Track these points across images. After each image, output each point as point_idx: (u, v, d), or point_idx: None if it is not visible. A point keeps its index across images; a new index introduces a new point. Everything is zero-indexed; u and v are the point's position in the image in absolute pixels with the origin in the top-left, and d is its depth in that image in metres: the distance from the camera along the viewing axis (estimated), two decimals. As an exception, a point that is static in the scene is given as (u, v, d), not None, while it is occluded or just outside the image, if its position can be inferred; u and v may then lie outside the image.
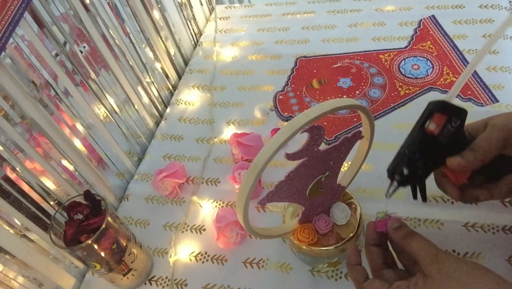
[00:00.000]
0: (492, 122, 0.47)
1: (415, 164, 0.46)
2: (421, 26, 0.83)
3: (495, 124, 0.46)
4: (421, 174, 0.47)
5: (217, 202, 0.68)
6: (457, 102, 0.70)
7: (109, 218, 0.52)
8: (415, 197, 0.49)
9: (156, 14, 0.84)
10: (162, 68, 0.87)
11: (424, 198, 0.49)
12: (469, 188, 0.49)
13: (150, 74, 0.83)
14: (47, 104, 0.59)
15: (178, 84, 0.89)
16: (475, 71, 0.73)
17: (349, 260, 0.46)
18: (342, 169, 0.51)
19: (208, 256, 0.62)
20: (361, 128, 0.48)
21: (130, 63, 0.77)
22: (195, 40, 0.99)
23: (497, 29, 0.44)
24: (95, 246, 0.52)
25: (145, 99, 0.82)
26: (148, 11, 0.81)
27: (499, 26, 0.44)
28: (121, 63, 0.74)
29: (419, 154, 0.46)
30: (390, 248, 0.47)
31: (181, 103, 0.85)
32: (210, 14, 1.03)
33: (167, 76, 0.89)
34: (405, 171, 0.46)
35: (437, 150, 0.46)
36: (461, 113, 0.46)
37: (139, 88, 0.80)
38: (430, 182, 0.50)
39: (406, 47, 0.81)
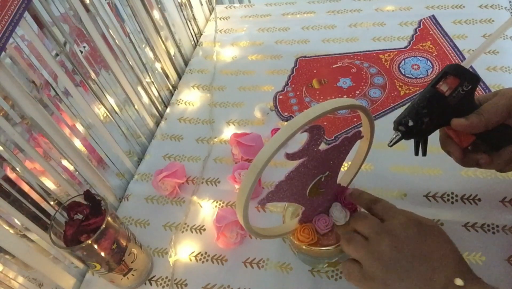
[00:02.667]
0: (502, 91, 0.48)
1: (421, 118, 0.47)
2: (421, 26, 0.83)
3: (504, 93, 0.47)
4: (425, 128, 0.48)
5: (217, 202, 0.68)
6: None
7: (109, 218, 0.52)
8: (416, 153, 0.50)
9: (156, 14, 0.84)
10: (162, 68, 0.87)
11: (424, 152, 0.50)
12: (471, 152, 0.50)
13: (150, 74, 0.83)
14: (47, 104, 0.59)
15: (178, 84, 0.89)
16: (475, 71, 0.73)
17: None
18: (342, 169, 0.51)
19: (208, 256, 0.62)
20: (361, 128, 0.48)
21: (130, 63, 0.77)
22: (195, 40, 0.99)
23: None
24: (95, 246, 0.52)
25: (145, 99, 0.82)
26: (148, 11, 0.81)
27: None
28: (121, 63, 0.74)
29: (427, 109, 0.47)
30: None
31: (181, 103, 0.85)
32: (210, 14, 1.03)
33: (167, 76, 0.89)
34: (410, 123, 0.47)
35: (444, 109, 0.47)
36: (474, 79, 0.47)
37: (139, 88, 0.80)
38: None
39: (406, 47, 0.81)
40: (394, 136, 0.49)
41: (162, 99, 0.87)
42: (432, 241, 0.43)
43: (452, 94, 0.47)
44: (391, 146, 0.50)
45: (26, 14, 0.55)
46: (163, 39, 0.86)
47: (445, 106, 0.47)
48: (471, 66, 0.71)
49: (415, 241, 0.42)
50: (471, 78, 0.47)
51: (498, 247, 0.54)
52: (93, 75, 0.68)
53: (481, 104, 0.48)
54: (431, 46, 0.79)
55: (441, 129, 0.52)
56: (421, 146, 0.50)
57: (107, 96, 0.71)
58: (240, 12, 1.00)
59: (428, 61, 0.77)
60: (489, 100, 0.48)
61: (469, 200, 0.58)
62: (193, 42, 0.98)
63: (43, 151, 0.59)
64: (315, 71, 0.82)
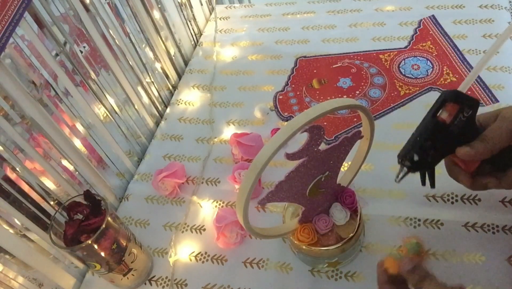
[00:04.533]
0: (502, 113, 0.47)
1: (426, 151, 0.47)
2: (421, 26, 0.83)
3: (506, 116, 0.47)
4: (431, 161, 0.48)
5: (217, 202, 0.68)
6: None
7: (109, 218, 0.52)
8: (423, 183, 0.50)
9: (156, 14, 0.84)
10: (162, 68, 0.87)
11: (433, 184, 0.50)
12: (478, 176, 0.50)
13: (150, 74, 0.83)
14: (47, 104, 0.59)
15: (178, 84, 0.89)
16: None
17: (379, 279, 0.45)
18: (342, 169, 0.51)
19: (208, 256, 0.62)
20: (361, 128, 0.48)
21: (130, 63, 0.77)
22: (195, 40, 0.99)
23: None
24: (95, 246, 0.52)
25: (145, 99, 0.82)
26: (148, 11, 0.81)
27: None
28: (121, 63, 0.74)
29: (430, 141, 0.46)
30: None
31: (181, 103, 0.85)
32: (210, 14, 1.03)
33: (167, 76, 0.89)
34: (416, 157, 0.47)
35: (448, 138, 0.47)
36: (474, 103, 0.46)
37: (139, 88, 0.80)
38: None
39: (406, 47, 0.81)
40: (400, 171, 0.49)
41: (162, 99, 0.87)
42: None
43: (454, 122, 0.46)
44: (398, 182, 0.49)
45: (26, 14, 0.55)
46: (163, 39, 0.86)
47: (449, 135, 0.46)
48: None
49: None
50: (471, 103, 0.46)
51: (498, 247, 0.54)
52: (93, 75, 0.68)
53: (482, 126, 0.48)
54: (431, 46, 0.79)
55: (446, 158, 0.51)
56: (428, 177, 0.49)
57: (107, 96, 0.71)
58: (240, 12, 1.00)
59: (428, 61, 0.77)
60: (491, 124, 0.47)
61: (469, 200, 0.58)
62: (193, 42, 0.98)
63: (43, 151, 0.59)
64: (315, 71, 0.82)
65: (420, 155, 0.47)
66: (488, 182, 0.49)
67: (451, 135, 0.46)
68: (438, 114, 0.47)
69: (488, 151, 0.46)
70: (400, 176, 0.49)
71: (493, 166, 0.50)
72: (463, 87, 0.48)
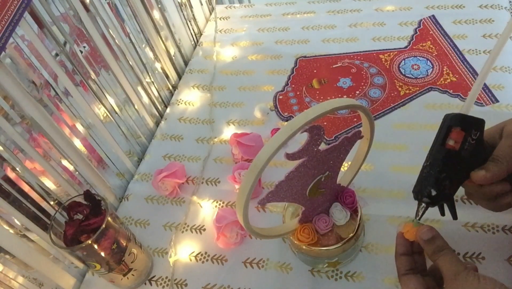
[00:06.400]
0: (507, 129, 0.46)
1: (442, 183, 0.45)
2: (421, 26, 0.83)
3: (511, 131, 0.46)
4: (448, 192, 0.46)
5: (217, 202, 0.68)
6: (457, 102, 0.70)
7: (109, 218, 0.52)
8: (442, 214, 0.48)
9: (156, 14, 0.84)
10: (162, 68, 0.87)
11: (455, 215, 0.47)
12: (500, 196, 0.48)
13: (150, 74, 0.83)
14: (47, 104, 0.59)
15: (178, 84, 0.89)
16: (475, 71, 0.73)
17: (396, 249, 0.46)
18: (342, 169, 0.51)
19: (208, 256, 0.62)
20: (361, 128, 0.48)
21: (130, 63, 0.77)
22: (195, 40, 0.99)
23: (501, 35, 0.44)
24: (95, 246, 0.52)
25: (145, 99, 0.82)
26: (148, 11, 0.81)
27: (502, 33, 0.44)
28: (121, 63, 0.74)
29: (445, 173, 0.45)
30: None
31: (181, 103, 0.85)
32: (210, 14, 1.03)
33: (167, 76, 0.89)
34: (433, 192, 0.45)
35: (460, 164, 0.45)
36: (479, 123, 0.45)
37: (139, 88, 0.80)
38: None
39: (406, 47, 0.81)
40: (419, 207, 0.47)
41: (162, 99, 0.87)
42: None
43: (464, 147, 0.45)
44: (419, 220, 0.47)
45: (26, 14, 0.55)
46: (163, 39, 0.86)
47: (461, 162, 0.45)
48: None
49: None
50: (476, 124, 0.45)
51: (498, 247, 0.54)
52: (93, 75, 0.68)
53: (490, 144, 0.47)
54: (431, 46, 0.79)
55: (464, 186, 0.49)
56: (449, 209, 0.48)
57: (107, 96, 0.71)
58: (240, 12, 1.00)
59: (428, 61, 0.77)
60: (500, 143, 0.46)
61: (469, 200, 0.58)
62: (193, 42, 0.98)
63: (43, 151, 0.59)
64: (315, 71, 0.82)
65: (437, 188, 0.45)
66: (511, 201, 0.48)
67: (463, 161, 0.45)
68: (446, 142, 0.45)
69: (503, 171, 0.45)
70: (421, 213, 0.47)
71: (510, 182, 0.48)
72: (466, 109, 0.47)
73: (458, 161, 0.45)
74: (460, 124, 0.45)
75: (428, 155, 0.47)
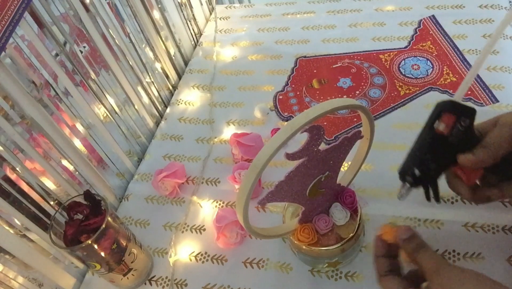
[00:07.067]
0: (502, 120, 0.47)
1: (427, 164, 0.46)
2: (421, 26, 0.83)
3: (506, 122, 0.46)
4: (432, 174, 0.47)
5: (217, 202, 0.68)
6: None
7: (109, 218, 0.52)
8: (428, 198, 0.49)
9: (156, 14, 0.84)
10: (162, 68, 0.87)
11: (437, 199, 0.49)
12: (481, 188, 0.49)
13: (150, 74, 0.83)
14: (47, 104, 0.59)
15: (178, 84, 0.89)
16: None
17: (375, 252, 0.46)
18: (342, 169, 0.51)
19: (208, 256, 0.62)
20: (361, 128, 0.48)
21: (130, 63, 0.77)
22: (195, 40, 0.99)
23: (497, 27, 0.44)
24: (95, 246, 0.52)
25: (145, 99, 0.82)
26: (148, 11, 0.81)
27: (499, 25, 0.44)
28: (121, 63, 0.74)
29: (430, 154, 0.46)
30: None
31: (181, 103, 0.85)
32: (210, 14, 1.03)
33: (167, 76, 0.89)
34: (417, 172, 0.46)
35: (447, 149, 0.46)
36: (470, 112, 0.46)
37: (139, 88, 0.80)
38: (441, 184, 0.50)
39: (406, 47, 0.81)
40: (402, 187, 0.48)
41: (162, 99, 0.87)
42: None
43: (452, 133, 0.45)
44: (402, 199, 0.48)
45: (26, 14, 0.55)
46: (163, 39, 0.86)
47: (448, 147, 0.46)
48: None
49: None
50: (467, 112, 0.46)
51: (498, 247, 0.54)
52: (93, 75, 0.68)
53: (481, 134, 0.47)
54: (431, 46, 0.79)
55: (448, 169, 0.50)
56: (432, 191, 0.48)
57: (107, 96, 0.71)
58: (240, 12, 1.00)
59: (428, 61, 0.77)
60: (491, 131, 0.46)
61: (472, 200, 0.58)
62: (193, 42, 0.98)
63: (43, 151, 0.59)
64: (315, 71, 0.82)
65: (421, 169, 0.46)
66: (491, 194, 0.48)
67: (451, 147, 0.46)
68: (435, 127, 0.46)
69: (489, 157, 0.45)
70: (403, 192, 0.48)
71: (497, 175, 0.49)
72: (458, 95, 0.47)
73: (445, 145, 0.46)
74: (451, 110, 0.46)
75: (417, 138, 0.47)
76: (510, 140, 0.45)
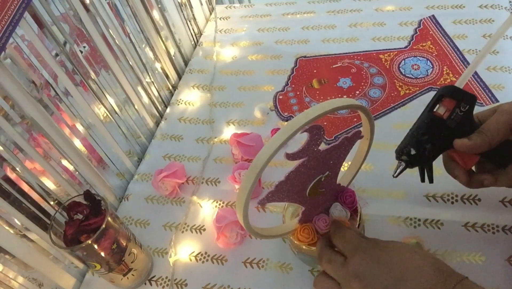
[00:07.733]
0: (501, 107, 0.47)
1: (423, 145, 0.47)
2: (421, 26, 0.83)
3: (503, 109, 0.47)
4: (428, 155, 0.48)
5: (217, 202, 0.68)
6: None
7: (109, 218, 0.52)
8: (422, 180, 0.50)
9: (156, 14, 0.84)
10: (162, 68, 0.87)
11: (431, 179, 0.50)
12: (475, 173, 0.50)
13: (150, 74, 0.83)
14: (47, 104, 0.59)
15: (178, 84, 0.89)
16: (475, 71, 0.73)
17: (317, 247, 0.49)
18: (342, 169, 0.51)
19: (208, 256, 0.62)
20: (361, 128, 0.48)
21: (130, 63, 0.77)
22: (195, 40, 0.99)
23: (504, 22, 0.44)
24: (95, 246, 0.52)
25: (145, 99, 0.82)
26: (148, 11, 0.81)
27: (505, 22, 0.44)
28: (121, 63, 0.74)
29: (427, 136, 0.47)
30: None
31: (181, 103, 0.85)
32: (210, 14, 1.03)
33: (167, 76, 0.89)
34: (413, 151, 0.47)
35: (445, 133, 0.47)
36: (470, 98, 0.46)
37: (139, 88, 0.80)
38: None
39: (406, 47, 0.81)
40: (398, 166, 0.49)
41: (162, 99, 0.87)
42: (399, 261, 0.41)
43: (451, 117, 0.46)
44: (396, 177, 0.49)
45: (26, 14, 0.55)
46: (163, 39, 0.86)
47: (446, 130, 0.46)
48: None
49: (381, 273, 0.41)
50: (468, 98, 0.46)
51: (498, 247, 0.54)
52: (93, 75, 0.68)
53: (481, 122, 0.48)
54: (431, 46, 0.79)
55: (444, 153, 0.51)
56: (426, 173, 0.49)
57: (107, 96, 0.71)
58: (240, 12, 1.00)
59: (428, 61, 0.77)
60: (489, 118, 0.47)
61: (469, 200, 0.58)
62: (193, 42, 0.98)
63: (43, 151, 0.59)
64: (315, 71, 0.82)
65: (417, 149, 0.47)
66: (485, 179, 0.49)
67: (448, 130, 0.47)
68: (435, 110, 0.47)
69: (485, 143, 0.46)
70: (398, 171, 0.49)
71: (493, 163, 0.50)
72: (460, 82, 0.48)
73: (443, 128, 0.46)
74: (451, 94, 0.47)
75: (416, 121, 0.49)
76: (506, 127, 0.46)
